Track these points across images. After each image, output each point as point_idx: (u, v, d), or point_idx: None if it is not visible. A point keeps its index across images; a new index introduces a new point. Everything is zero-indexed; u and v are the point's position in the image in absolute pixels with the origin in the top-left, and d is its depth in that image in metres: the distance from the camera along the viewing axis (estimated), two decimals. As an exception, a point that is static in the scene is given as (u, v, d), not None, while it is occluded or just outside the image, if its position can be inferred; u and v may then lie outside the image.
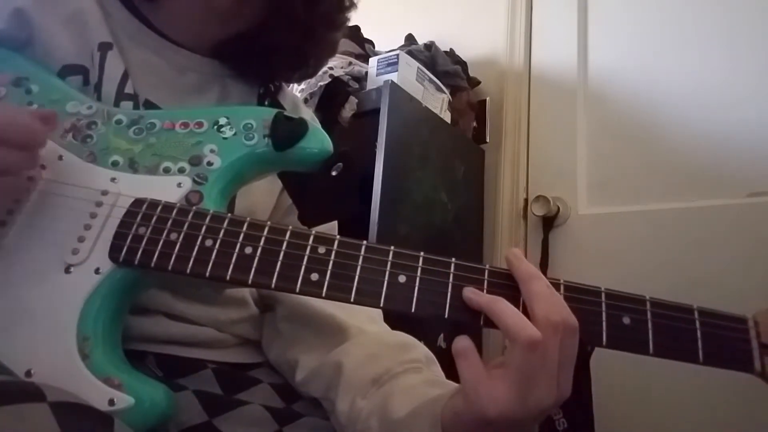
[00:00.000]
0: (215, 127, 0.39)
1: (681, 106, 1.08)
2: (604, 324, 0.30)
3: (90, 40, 0.43)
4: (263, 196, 0.48)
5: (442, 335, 1.00)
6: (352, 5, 0.52)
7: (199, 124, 0.39)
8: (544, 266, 1.14)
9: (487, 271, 0.31)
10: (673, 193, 1.05)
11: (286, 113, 0.40)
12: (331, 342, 0.44)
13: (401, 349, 0.43)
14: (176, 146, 0.38)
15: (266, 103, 0.49)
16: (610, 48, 1.20)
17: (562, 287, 0.31)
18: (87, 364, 0.31)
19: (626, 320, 0.30)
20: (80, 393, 0.28)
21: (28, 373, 0.30)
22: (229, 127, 0.39)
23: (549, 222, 1.16)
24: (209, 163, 0.38)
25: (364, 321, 0.46)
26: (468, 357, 0.30)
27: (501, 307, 0.29)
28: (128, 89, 0.43)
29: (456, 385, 0.36)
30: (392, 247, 0.32)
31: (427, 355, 0.43)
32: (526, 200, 1.21)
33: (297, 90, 1.02)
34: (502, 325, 0.29)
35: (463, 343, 0.30)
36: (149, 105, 0.44)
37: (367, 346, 0.43)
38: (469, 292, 0.30)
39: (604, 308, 0.30)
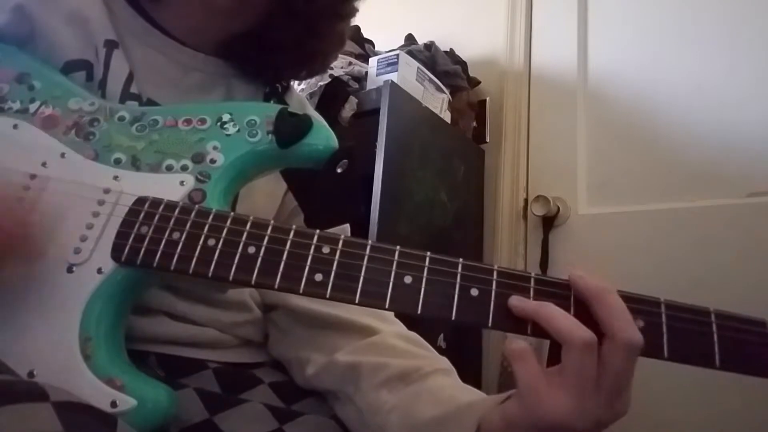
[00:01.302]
0: (218, 123, 0.39)
1: (681, 106, 1.09)
2: None
3: (94, 36, 0.43)
4: (265, 200, 0.47)
5: (442, 335, 1.00)
6: None
7: (202, 121, 0.39)
8: (544, 266, 1.14)
9: (495, 272, 0.31)
10: (673, 193, 1.05)
11: (290, 109, 0.39)
12: (346, 339, 0.44)
13: (427, 349, 0.43)
14: (179, 143, 0.38)
15: (272, 102, 0.49)
16: (610, 48, 1.21)
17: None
18: (89, 365, 0.30)
19: (640, 323, 0.29)
20: (82, 394, 0.28)
21: (31, 374, 0.30)
22: (232, 123, 0.39)
23: (549, 222, 1.16)
24: (212, 161, 0.37)
25: (374, 319, 0.46)
26: (526, 360, 0.29)
27: (550, 312, 0.29)
28: (133, 89, 0.42)
29: (483, 395, 0.36)
30: (398, 247, 0.32)
31: (448, 362, 0.43)
32: (526, 200, 1.21)
33: (297, 90, 1.02)
34: (554, 329, 0.28)
35: (519, 345, 0.29)
36: (151, 104, 0.43)
37: (387, 343, 0.43)
38: (515, 301, 0.30)
39: None
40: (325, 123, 0.40)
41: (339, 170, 0.38)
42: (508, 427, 0.30)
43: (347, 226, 0.49)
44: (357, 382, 0.41)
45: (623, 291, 0.30)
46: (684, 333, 0.29)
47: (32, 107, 0.38)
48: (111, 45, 0.43)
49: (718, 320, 0.29)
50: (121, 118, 0.39)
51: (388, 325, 0.46)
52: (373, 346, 0.43)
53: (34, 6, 0.42)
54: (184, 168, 0.37)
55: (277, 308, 0.49)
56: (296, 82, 1.02)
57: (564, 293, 0.31)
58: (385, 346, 0.43)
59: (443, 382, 0.39)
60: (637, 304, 0.30)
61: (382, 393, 0.39)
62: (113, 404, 0.29)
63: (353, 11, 0.51)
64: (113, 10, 0.45)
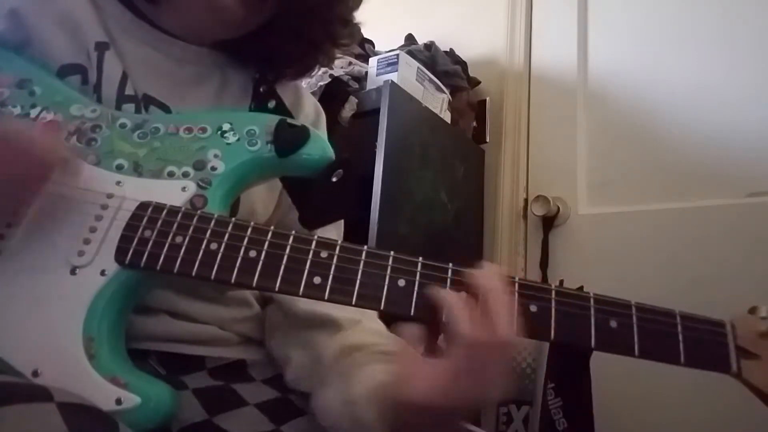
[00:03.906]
0: (219, 132, 0.40)
1: (681, 106, 1.09)
2: (592, 327, 0.31)
3: (85, 39, 0.43)
4: (264, 195, 0.48)
5: (442, 334, 1.00)
6: (356, 25, 0.53)
7: (203, 129, 0.40)
8: (544, 266, 1.15)
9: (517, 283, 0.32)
10: (673, 193, 1.05)
11: (289, 120, 0.40)
12: (319, 337, 0.45)
13: (379, 335, 0.44)
14: (180, 151, 0.39)
15: (261, 90, 0.49)
16: (610, 48, 1.21)
17: (553, 292, 0.32)
18: (93, 364, 0.31)
19: (613, 324, 0.31)
20: (87, 392, 0.29)
21: (35, 373, 0.31)
22: (232, 132, 0.40)
23: (549, 222, 1.16)
24: (213, 168, 0.38)
25: (356, 313, 0.46)
26: (408, 343, 0.32)
27: (453, 302, 0.31)
28: (129, 90, 0.43)
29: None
30: (392, 252, 0.33)
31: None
32: (526, 200, 1.22)
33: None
34: (450, 320, 0.31)
35: (406, 331, 0.32)
36: (148, 99, 0.44)
37: (349, 335, 0.44)
38: (432, 289, 0.32)
39: (592, 312, 0.32)
40: (321, 133, 0.41)
41: (334, 179, 0.39)
42: (393, 404, 0.33)
43: (341, 223, 0.51)
44: (321, 382, 0.42)
45: (598, 294, 0.32)
46: (653, 333, 0.31)
47: (33, 112, 0.39)
48: (102, 47, 0.43)
49: (683, 321, 0.32)
50: (123, 125, 0.40)
51: (366, 320, 0.46)
52: (331, 344, 0.44)
53: (28, 10, 0.42)
54: (185, 174, 0.38)
55: (271, 303, 0.50)
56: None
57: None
58: (346, 341, 0.44)
59: (374, 361, 0.40)
60: (611, 307, 0.32)
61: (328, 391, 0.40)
62: (118, 401, 0.30)
63: (349, 35, 0.53)
64: (102, 7, 0.45)
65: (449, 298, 0.31)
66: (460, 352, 0.30)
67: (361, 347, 0.41)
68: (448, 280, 0.32)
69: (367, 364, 0.39)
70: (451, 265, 0.33)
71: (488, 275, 0.32)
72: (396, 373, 0.32)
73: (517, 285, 0.32)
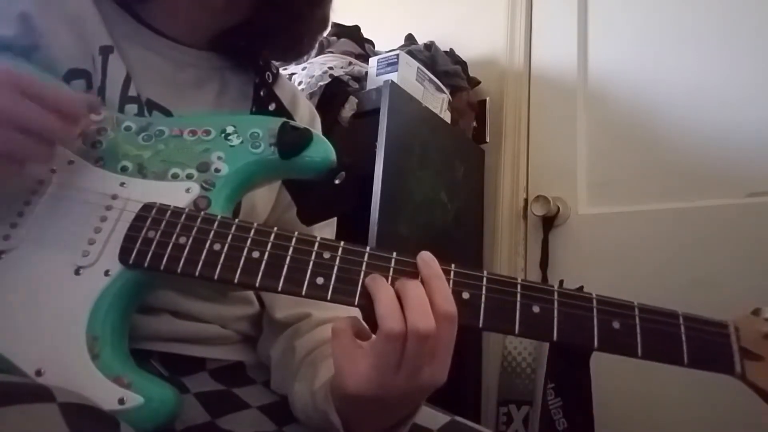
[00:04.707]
0: (222, 135, 0.40)
1: (681, 106, 1.09)
2: (595, 328, 0.31)
3: (90, 43, 0.44)
4: (265, 193, 0.49)
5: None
6: None
7: (207, 132, 0.40)
8: (544, 266, 1.15)
9: (485, 278, 0.33)
10: (673, 193, 1.05)
11: (292, 123, 0.41)
12: (296, 339, 0.46)
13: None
14: (184, 153, 0.39)
15: (262, 93, 0.50)
16: (610, 48, 1.21)
17: (555, 293, 0.32)
18: (97, 364, 0.32)
19: (616, 324, 0.32)
20: (90, 392, 0.29)
21: (39, 372, 0.31)
22: (236, 135, 0.40)
23: (549, 222, 1.17)
24: (217, 170, 0.38)
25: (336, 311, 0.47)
26: (338, 336, 0.32)
27: (381, 294, 0.31)
28: (131, 92, 0.43)
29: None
30: (394, 254, 0.33)
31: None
32: (526, 200, 1.22)
33: (296, 84, 1.02)
34: (376, 310, 0.31)
35: (338, 325, 0.33)
36: (151, 104, 0.44)
37: (320, 331, 0.45)
38: (368, 278, 0.32)
39: (595, 313, 0.32)
40: (322, 135, 0.42)
41: (337, 182, 0.39)
42: (332, 394, 0.34)
43: (334, 219, 0.52)
44: (291, 381, 0.43)
45: (600, 295, 0.32)
46: (655, 333, 0.31)
47: None
48: (106, 51, 0.44)
49: (686, 322, 0.32)
50: (128, 128, 0.40)
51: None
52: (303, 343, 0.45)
53: (37, 14, 0.42)
54: (189, 176, 0.38)
55: (264, 306, 0.51)
56: (296, 80, 1.04)
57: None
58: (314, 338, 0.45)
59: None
60: (613, 308, 0.32)
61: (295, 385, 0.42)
62: (121, 401, 0.30)
63: None
64: (104, 11, 0.46)
65: (377, 290, 0.31)
66: (379, 344, 0.30)
67: (328, 341, 0.42)
68: (451, 282, 0.32)
69: (330, 357, 0.40)
70: (453, 266, 0.33)
71: (426, 264, 0.32)
72: (334, 365, 0.33)
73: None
